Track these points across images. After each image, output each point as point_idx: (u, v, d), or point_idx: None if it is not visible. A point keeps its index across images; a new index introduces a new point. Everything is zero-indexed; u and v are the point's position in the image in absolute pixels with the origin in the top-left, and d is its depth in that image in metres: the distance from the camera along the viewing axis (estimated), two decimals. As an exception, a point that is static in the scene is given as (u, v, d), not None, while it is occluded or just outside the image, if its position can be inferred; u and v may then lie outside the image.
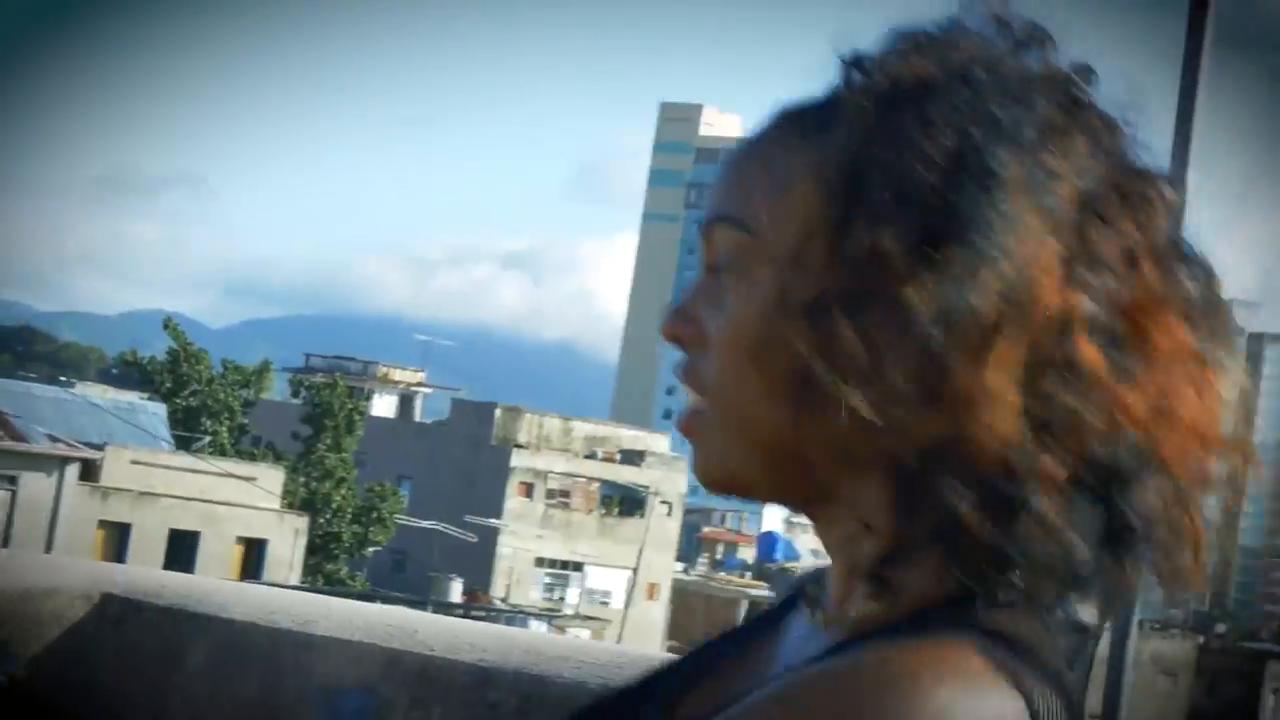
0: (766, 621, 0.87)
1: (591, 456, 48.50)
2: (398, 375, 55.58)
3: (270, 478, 37.30)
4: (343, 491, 39.49)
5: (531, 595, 43.83)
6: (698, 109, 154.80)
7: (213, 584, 3.94)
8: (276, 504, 36.17)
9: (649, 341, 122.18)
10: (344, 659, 2.52)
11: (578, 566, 47.56)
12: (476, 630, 3.10)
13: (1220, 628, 52.28)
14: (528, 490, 46.68)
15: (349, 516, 40.19)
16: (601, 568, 47.04)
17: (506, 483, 46.26)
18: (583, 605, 44.97)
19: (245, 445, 42.74)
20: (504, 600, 40.10)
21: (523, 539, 44.93)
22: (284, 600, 3.24)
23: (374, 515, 40.61)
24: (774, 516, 53.96)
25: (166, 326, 43.90)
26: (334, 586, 35.02)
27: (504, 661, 2.41)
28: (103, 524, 33.53)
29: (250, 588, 4.95)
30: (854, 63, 0.75)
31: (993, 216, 0.66)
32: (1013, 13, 0.74)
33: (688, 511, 55.63)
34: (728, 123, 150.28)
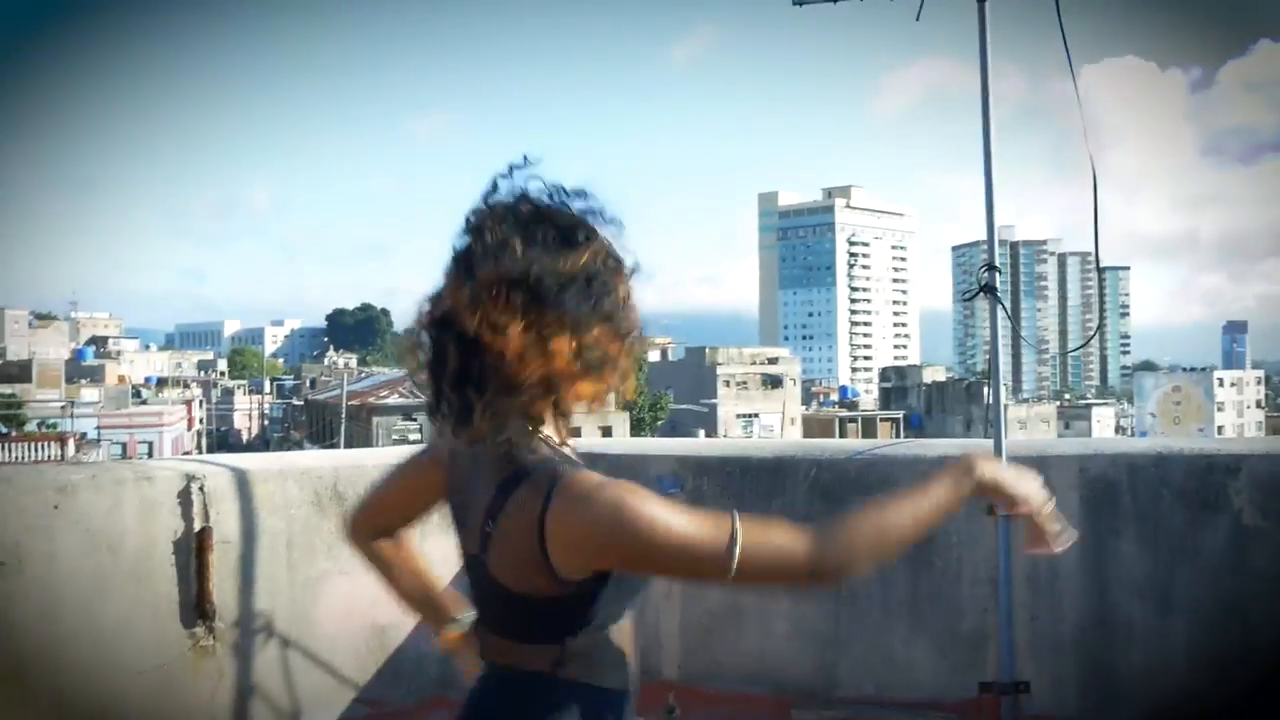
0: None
1: (754, 362, 77.83)
2: (659, 340, 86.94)
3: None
4: (640, 395, 70.85)
5: (734, 431, 73.43)
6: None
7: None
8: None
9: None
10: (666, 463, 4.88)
11: (755, 415, 76.02)
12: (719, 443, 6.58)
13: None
14: (727, 383, 74.68)
15: (646, 407, 67.46)
16: (766, 414, 76.15)
17: (716, 381, 74.50)
18: (759, 432, 74.67)
19: None
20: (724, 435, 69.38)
21: (727, 406, 72.78)
22: (635, 443, 6.31)
23: (658, 405, 68.10)
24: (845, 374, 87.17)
25: None
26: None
27: (728, 452, 4.92)
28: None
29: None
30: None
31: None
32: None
33: (803, 381, 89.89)
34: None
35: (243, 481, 3.80)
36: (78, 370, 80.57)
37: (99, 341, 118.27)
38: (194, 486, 3.61)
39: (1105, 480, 3.92)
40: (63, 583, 3.33)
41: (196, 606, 3.57)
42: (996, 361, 4.13)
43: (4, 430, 47.89)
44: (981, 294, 4.06)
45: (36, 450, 41.38)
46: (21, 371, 71.99)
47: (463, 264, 1.73)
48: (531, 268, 1.70)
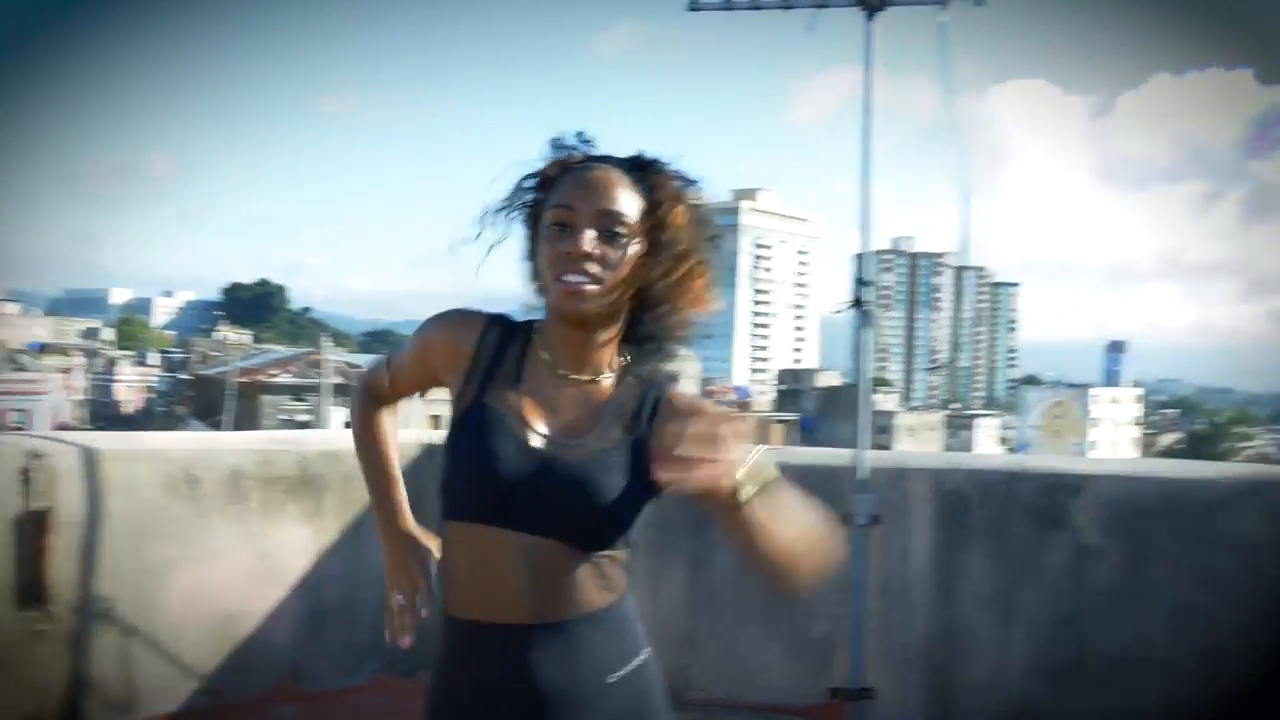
0: None
1: None
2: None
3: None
4: None
5: None
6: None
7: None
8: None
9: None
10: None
11: None
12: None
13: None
14: None
15: None
16: None
17: None
18: None
19: None
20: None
21: None
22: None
23: None
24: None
25: None
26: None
27: None
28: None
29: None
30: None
31: None
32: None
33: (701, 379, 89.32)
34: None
35: (91, 461, 3.69)
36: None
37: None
38: (37, 464, 3.51)
39: (959, 494, 4.02)
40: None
41: (33, 589, 3.47)
42: (862, 370, 4.20)
43: None
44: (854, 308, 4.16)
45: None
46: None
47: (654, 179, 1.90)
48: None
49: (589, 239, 1.81)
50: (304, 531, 4.08)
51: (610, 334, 1.92)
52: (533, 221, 1.92)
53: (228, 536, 3.90)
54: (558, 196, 1.86)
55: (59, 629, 3.53)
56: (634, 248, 1.87)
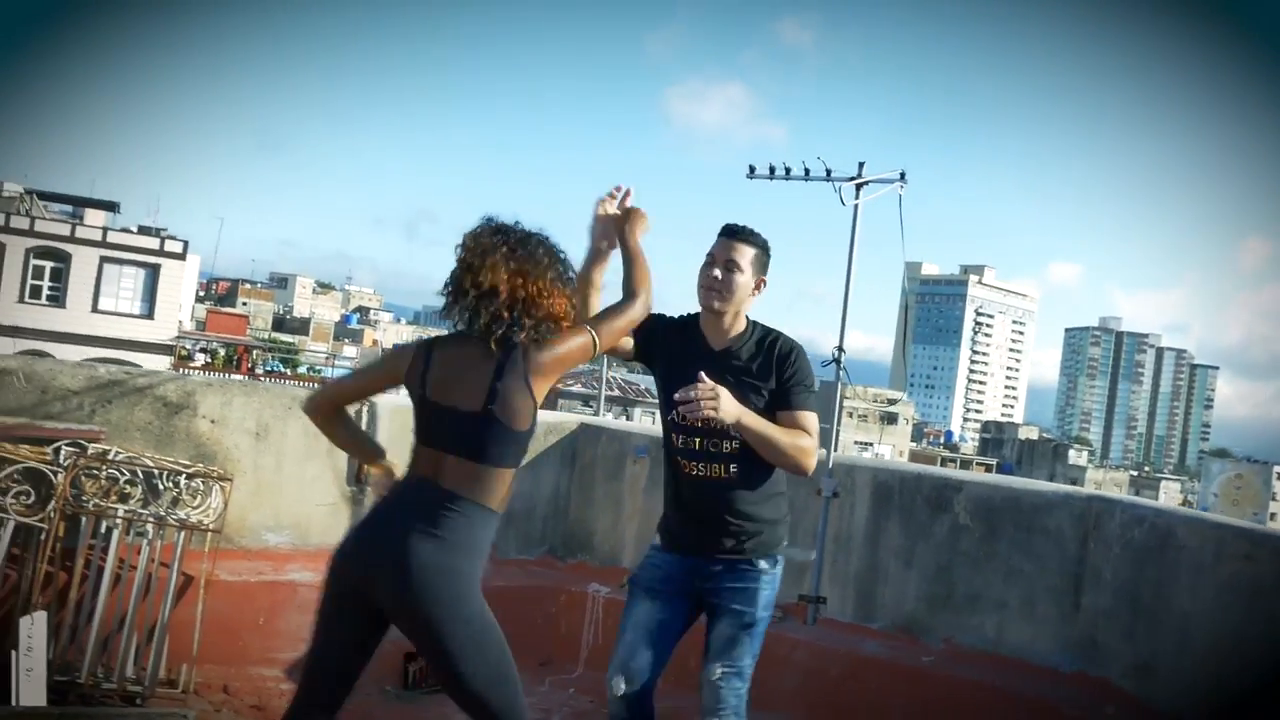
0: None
1: (876, 401, 76.85)
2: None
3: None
4: None
5: (849, 453, 77.49)
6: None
7: None
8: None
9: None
10: (643, 439, 4.73)
11: (869, 444, 74.16)
12: None
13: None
14: (850, 415, 73.90)
15: None
16: (880, 445, 73.40)
17: (840, 411, 76.76)
18: (870, 455, 74.46)
19: None
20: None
21: (847, 434, 72.32)
22: (624, 425, 7.22)
23: None
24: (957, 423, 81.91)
25: None
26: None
27: None
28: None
29: None
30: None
31: None
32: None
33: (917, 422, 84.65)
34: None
35: (389, 413, 5.48)
36: (343, 331, 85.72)
37: (362, 311, 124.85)
38: (365, 409, 5.33)
39: (886, 485, 5.31)
40: (287, 449, 5.10)
41: (356, 473, 5.27)
42: (839, 407, 5.57)
43: (282, 368, 51.92)
44: (835, 363, 5.54)
45: (302, 388, 44.85)
46: (302, 326, 77.25)
47: (505, 251, 2.62)
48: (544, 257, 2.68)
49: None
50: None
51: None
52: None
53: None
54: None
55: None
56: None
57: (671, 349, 3.12)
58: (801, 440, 3.01)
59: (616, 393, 53.55)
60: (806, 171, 5.51)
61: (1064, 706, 4.52)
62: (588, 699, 5.04)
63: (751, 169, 5.63)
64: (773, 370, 3.06)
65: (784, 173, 5.62)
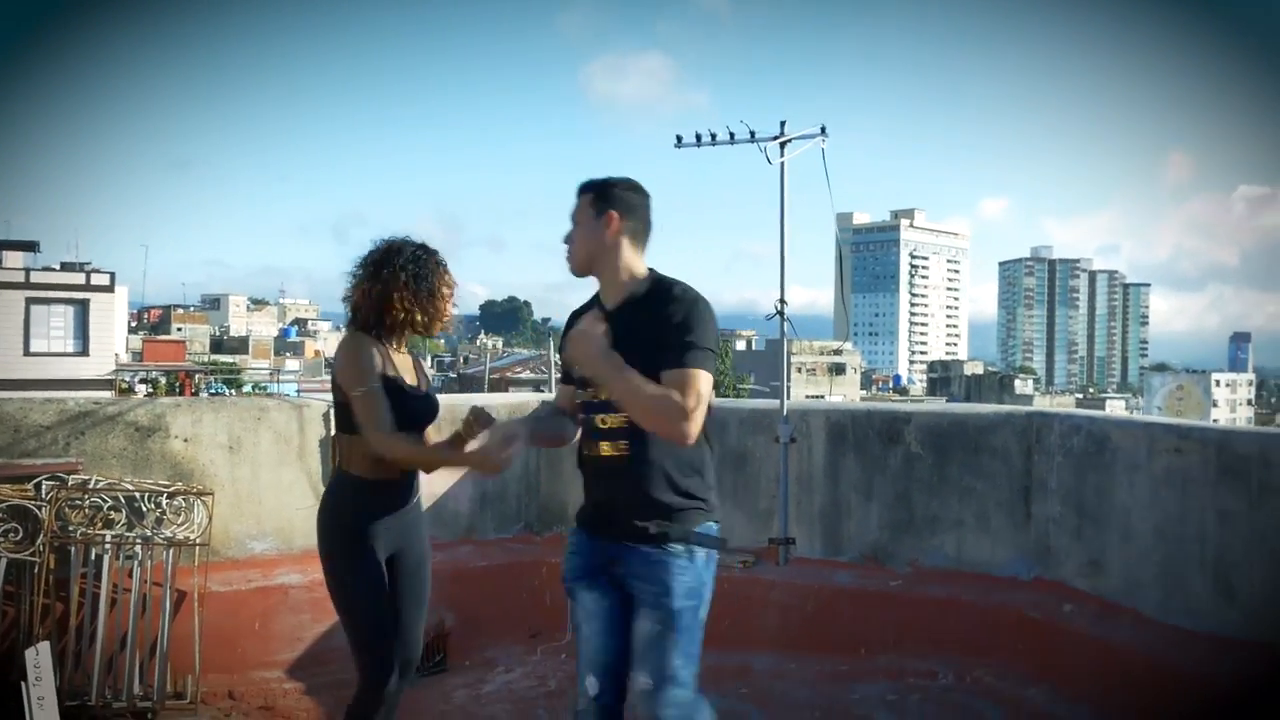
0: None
1: (823, 354, 77.82)
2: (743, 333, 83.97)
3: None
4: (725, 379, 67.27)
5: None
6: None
7: None
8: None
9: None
10: None
11: (821, 396, 75.77)
12: None
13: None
14: (799, 370, 74.55)
15: (731, 388, 66.37)
16: (831, 396, 79.61)
17: (789, 369, 76.53)
18: None
19: None
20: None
21: (798, 389, 77.94)
22: None
23: (741, 387, 66.10)
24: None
25: None
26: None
27: None
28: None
29: None
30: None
31: None
32: None
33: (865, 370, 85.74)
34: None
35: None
36: (283, 345, 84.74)
37: (300, 322, 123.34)
38: (332, 411, 5.48)
39: (839, 425, 5.58)
40: (261, 458, 5.24)
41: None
42: (784, 356, 5.82)
43: (225, 390, 51.30)
44: (778, 315, 5.77)
45: (270, 399, 44.37)
46: (240, 345, 76.26)
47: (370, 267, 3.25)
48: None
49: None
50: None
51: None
52: None
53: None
54: None
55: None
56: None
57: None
58: (672, 397, 2.56)
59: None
60: (731, 135, 5.72)
61: (1026, 609, 4.84)
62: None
63: (678, 138, 5.83)
64: (658, 322, 2.65)
65: (710, 139, 5.82)
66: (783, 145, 5.54)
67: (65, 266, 43.60)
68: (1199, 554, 4.24)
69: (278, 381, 57.24)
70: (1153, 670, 4.15)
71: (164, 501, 4.77)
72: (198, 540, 4.76)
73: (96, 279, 41.03)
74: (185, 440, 5.04)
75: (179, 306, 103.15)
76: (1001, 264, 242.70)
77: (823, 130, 5.60)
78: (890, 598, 5.17)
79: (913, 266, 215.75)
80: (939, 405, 5.58)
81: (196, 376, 49.96)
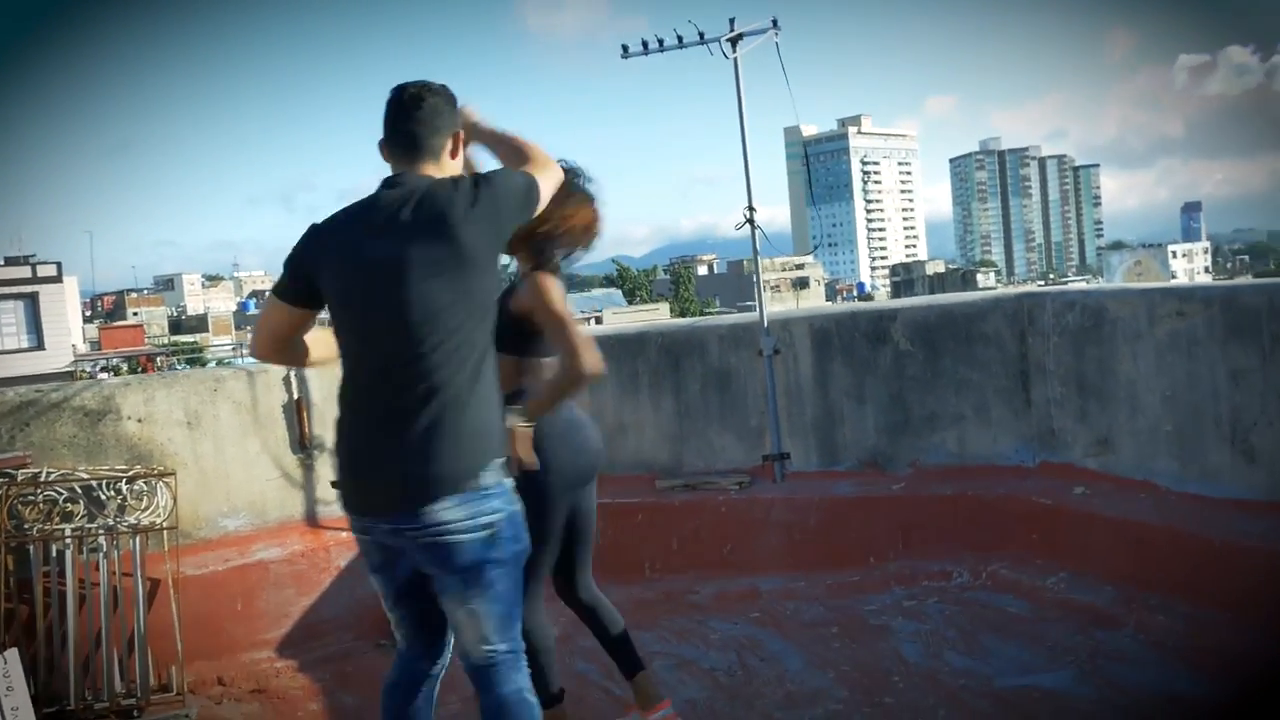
0: None
1: (785, 269, 77.81)
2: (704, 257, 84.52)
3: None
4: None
5: None
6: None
7: None
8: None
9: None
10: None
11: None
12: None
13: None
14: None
15: (697, 312, 66.81)
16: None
17: (754, 288, 77.65)
18: None
19: None
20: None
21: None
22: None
23: (706, 310, 66.32)
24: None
25: None
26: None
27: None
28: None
29: None
30: None
31: None
32: None
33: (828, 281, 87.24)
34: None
35: (315, 372, 5.33)
36: (243, 319, 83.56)
37: (258, 294, 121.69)
38: (291, 374, 5.18)
39: (823, 331, 5.35)
40: (222, 432, 4.94)
41: (299, 440, 5.15)
42: (757, 265, 5.57)
43: (190, 370, 50.53)
44: (749, 225, 5.50)
45: (227, 369, 43.71)
46: (199, 324, 75.15)
47: None
48: None
49: None
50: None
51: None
52: None
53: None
54: None
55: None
56: None
57: None
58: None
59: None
60: (679, 39, 5.39)
61: (1036, 496, 4.67)
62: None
63: (625, 48, 5.50)
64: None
65: (658, 45, 5.49)
66: (734, 43, 5.21)
67: (10, 261, 42.41)
68: (1214, 418, 4.06)
69: (243, 356, 56.46)
70: (1176, 543, 3.99)
71: (124, 487, 4.48)
72: (165, 524, 4.47)
73: (43, 270, 39.99)
74: (139, 420, 4.72)
75: (132, 291, 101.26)
76: (952, 161, 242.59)
77: (774, 24, 5.28)
78: (894, 501, 4.98)
79: (865, 173, 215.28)
80: (925, 299, 5.36)
81: (159, 359, 49.15)
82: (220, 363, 54.09)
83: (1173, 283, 4.61)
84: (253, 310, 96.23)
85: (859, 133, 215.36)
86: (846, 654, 4.06)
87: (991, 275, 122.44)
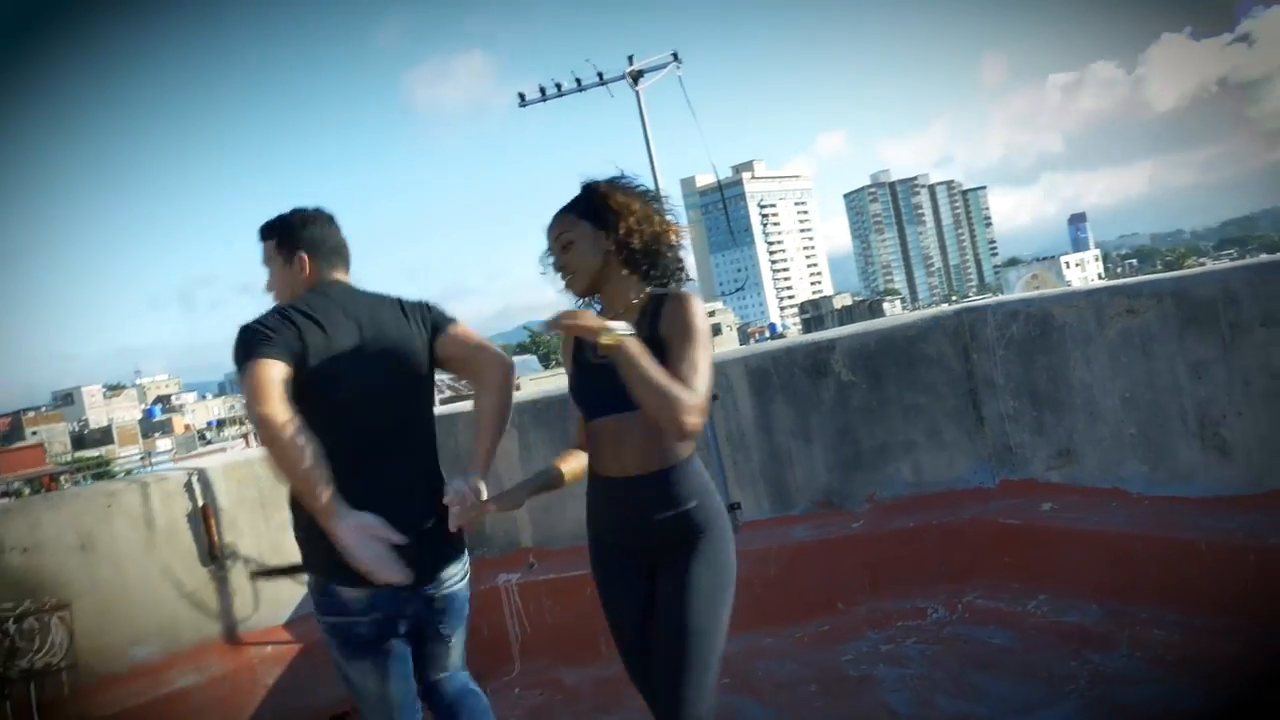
0: None
1: None
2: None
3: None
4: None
5: None
6: None
7: None
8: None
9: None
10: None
11: None
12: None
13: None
14: None
15: None
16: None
17: None
18: None
19: None
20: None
21: None
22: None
23: None
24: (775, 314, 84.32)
25: None
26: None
27: None
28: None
29: None
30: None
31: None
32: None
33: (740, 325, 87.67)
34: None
35: (222, 474, 4.92)
36: (150, 426, 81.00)
37: (163, 399, 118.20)
38: (194, 479, 4.75)
39: (760, 370, 5.10)
40: (121, 551, 4.48)
41: (209, 551, 4.71)
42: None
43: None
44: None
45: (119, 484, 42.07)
46: (104, 435, 72.57)
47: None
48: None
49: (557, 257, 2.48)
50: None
51: (613, 287, 2.48)
52: None
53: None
54: None
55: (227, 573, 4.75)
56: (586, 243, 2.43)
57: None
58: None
59: (448, 393, 52.63)
60: (578, 82, 5.17)
61: (1002, 518, 4.44)
62: (535, 693, 4.67)
63: (522, 96, 5.23)
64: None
65: (556, 90, 5.24)
66: (636, 79, 4.99)
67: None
68: (1179, 415, 3.89)
69: (151, 465, 54.54)
70: (1157, 549, 3.78)
71: (11, 627, 3.98)
72: (62, 664, 3.99)
73: (-72, 400, 38.09)
74: (24, 550, 4.23)
75: (29, 409, 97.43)
76: (846, 195, 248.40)
77: (675, 57, 5.08)
78: (856, 540, 4.71)
79: (763, 216, 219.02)
80: (861, 325, 5.13)
81: (62, 478, 47.14)
82: (129, 473, 52.26)
83: (1119, 280, 4.47)
84: (159, 416, 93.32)
85: (753, 177, 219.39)
86: (831, 713, 3.74)
87: (897, 303, 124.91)
